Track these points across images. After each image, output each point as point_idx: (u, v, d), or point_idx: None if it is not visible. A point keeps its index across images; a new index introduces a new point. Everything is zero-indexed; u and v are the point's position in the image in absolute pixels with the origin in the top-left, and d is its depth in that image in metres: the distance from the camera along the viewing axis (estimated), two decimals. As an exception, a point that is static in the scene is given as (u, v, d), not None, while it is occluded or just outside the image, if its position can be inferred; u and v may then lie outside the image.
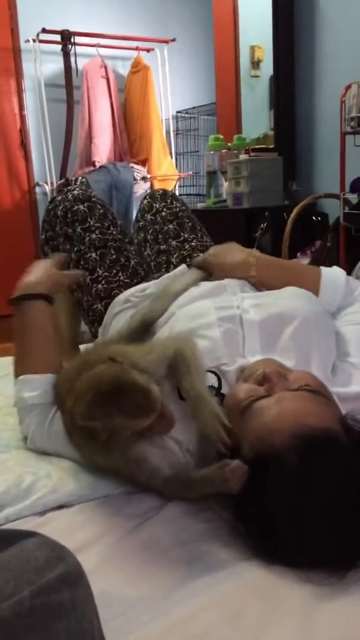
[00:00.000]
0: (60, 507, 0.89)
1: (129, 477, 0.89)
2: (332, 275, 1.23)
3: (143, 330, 1.17)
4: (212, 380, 0.93)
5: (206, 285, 1.23)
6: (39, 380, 1.04)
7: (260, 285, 1.23)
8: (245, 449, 0.78)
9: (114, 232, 1.51)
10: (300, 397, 0.79)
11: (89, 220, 1.49)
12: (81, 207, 1.50)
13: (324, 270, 1.23)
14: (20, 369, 1.08)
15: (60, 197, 1.56)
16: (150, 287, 1.35)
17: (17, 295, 1.11)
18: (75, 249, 1.48)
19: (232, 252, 1.29)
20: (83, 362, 0.86)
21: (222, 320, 1.01)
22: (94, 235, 1.47)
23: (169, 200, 1.67)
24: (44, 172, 3.67)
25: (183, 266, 1.38)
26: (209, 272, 1.28)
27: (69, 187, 1.61)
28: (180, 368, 0.87)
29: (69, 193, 1.54)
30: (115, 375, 0.76)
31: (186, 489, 0.84)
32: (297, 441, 0.72)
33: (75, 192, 1.54)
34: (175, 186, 4.03)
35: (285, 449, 0.72)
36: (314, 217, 3.05)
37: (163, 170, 3.96)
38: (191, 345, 0.91)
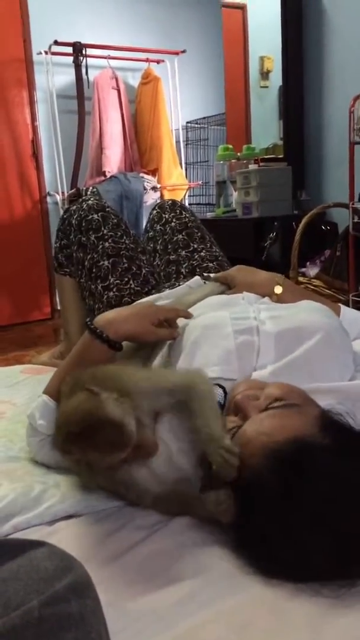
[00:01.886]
0: (69, 516, 0.89)
1: (116, 494, 0.90)
2: (352, 311, 1.27)
3: None
4: (219, 395, 0.92)
5: (221, 297, 1.22)
6: (54, 410, 0.99)
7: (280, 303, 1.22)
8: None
9: (127, 242, 1.52)
10: (267, 416, 0.80)
11: (102, 229, 1.51)
12: (95, 216, 1.52)
13: (343, 306, 1.27)
14: (51, 383, 1.04)
15: (75, 207, 1.58)
16: (162, 297, 1.35)
17: (90, 324, 1.01)
18: (89, 256, 1.50)
19: (257, 271, 1.30)
20: (76, 380, 0.86)
21: (239, 332, 1.00)
22: (107, 244, 1.49)
23: (178, 211, 1.68)
24: (55, 182, 3.70)
25: (197, 278, 1.38)
26: (228, 286, 1.28)
27: (84, 197, 1.62)
28: (194, 405, 0.84)
29: (83, 203, 1.56)
30: (88, 412, 0.76)
31: (184, 506, 0.84)
32: (268, 461, 0.73)
33: (90, 201, 1.57)
34: (185, 196, 4.04)
35: (260, 471, 0.73)
36: (323, 227, 3.05)
37: (173, 180, 3.98)
38: (206, 381, 0.88)
